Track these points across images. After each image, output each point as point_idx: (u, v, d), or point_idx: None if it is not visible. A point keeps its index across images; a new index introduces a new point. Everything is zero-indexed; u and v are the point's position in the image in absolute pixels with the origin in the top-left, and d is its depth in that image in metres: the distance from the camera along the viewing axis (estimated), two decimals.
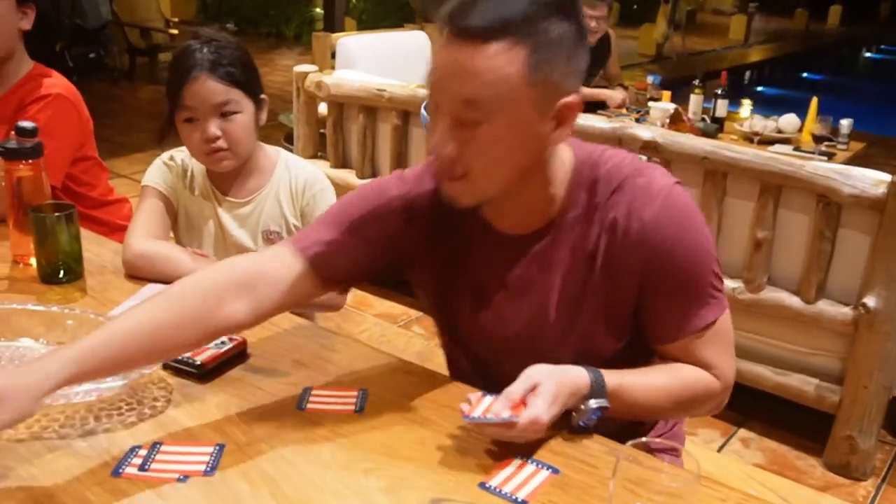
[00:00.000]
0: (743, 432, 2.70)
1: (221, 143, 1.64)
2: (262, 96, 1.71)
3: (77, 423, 1.15)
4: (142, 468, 1.05)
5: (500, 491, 1.03)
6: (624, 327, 1.22)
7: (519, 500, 1.02)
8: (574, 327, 1.22)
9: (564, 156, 1.19)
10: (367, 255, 1.26)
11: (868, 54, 16.27)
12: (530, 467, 1.08)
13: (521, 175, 1.13)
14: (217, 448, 1.10)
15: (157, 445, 1.10)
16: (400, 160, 3.29)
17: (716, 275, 1.20)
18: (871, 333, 2.37)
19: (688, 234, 1.16)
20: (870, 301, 2.34)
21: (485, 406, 1.08)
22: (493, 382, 1.13)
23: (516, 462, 1.09)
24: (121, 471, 1.05)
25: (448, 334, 1.38)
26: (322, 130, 3.62)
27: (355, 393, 1.25)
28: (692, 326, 1.19)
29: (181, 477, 1.04)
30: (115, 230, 2.16)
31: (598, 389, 1.12)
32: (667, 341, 1.21)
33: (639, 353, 1.26)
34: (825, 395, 2.50)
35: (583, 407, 1.12)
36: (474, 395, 1.11)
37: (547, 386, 1.07)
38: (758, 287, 2.53)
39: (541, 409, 1.05)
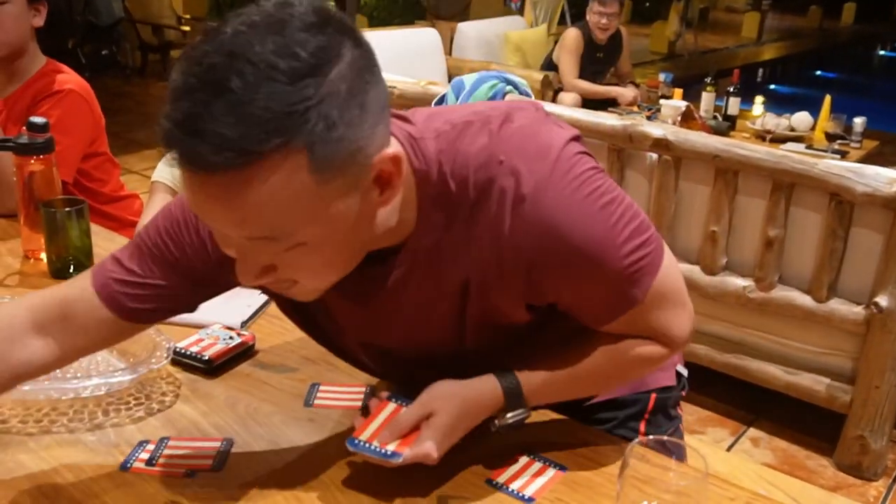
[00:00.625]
0: (753, 431, 2.68)
1: None
2: None
3: (86, 418, 1.15)
4: (149, 462, 1.05)
5: (508, 488, 1.03)
6: (527, 309, 1.02)
7: (526, 497, 1.02)
8: (468, 346, 1.04)
9: (407, 193, 0.92)
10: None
11: (882, 52, 16.16)
12: (537, 464, 1.08)
13: (361, 247, 0.91)
14: (225, 443, 1.10)
15: (165, 440, 1.10)
16: None
17: (630, 247, 0.94)
18: (884, 333, 2.35)
19: (574, 232, 0.91)
20: (882, 300, 2.33)
21: (382, 419, 1.01)
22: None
23: (524, 459, 1.09)
24: (129, 465, 1.05)
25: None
26: None
27: (363, 389, 1.25)
28: (624, 308, 0.98)
29: (189, 471, 1.04)
30: (126, 225, 2.17)
31: (513, 400, 1.01)
32: (604, 324, 1.02)
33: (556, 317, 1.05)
34: (836, 394, 2.49)
35: (497, 422, 1.03)
36: (376, 400, 1.04)
37: (442, 418, 0.98)
38: (769, 286, 2.52)
39: (430, 447, 0.97)
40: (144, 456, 1.07)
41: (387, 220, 0.89)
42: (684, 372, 1.32)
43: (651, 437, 0.86)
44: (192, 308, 1.12)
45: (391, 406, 1.03)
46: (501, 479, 1.05)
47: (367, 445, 0.99)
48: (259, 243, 0.82)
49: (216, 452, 1.08)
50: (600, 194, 0.92)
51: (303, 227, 0.81)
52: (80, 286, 1.06)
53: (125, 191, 2.31)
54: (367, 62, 0.82)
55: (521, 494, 1.02)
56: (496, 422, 1.03)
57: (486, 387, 1.01)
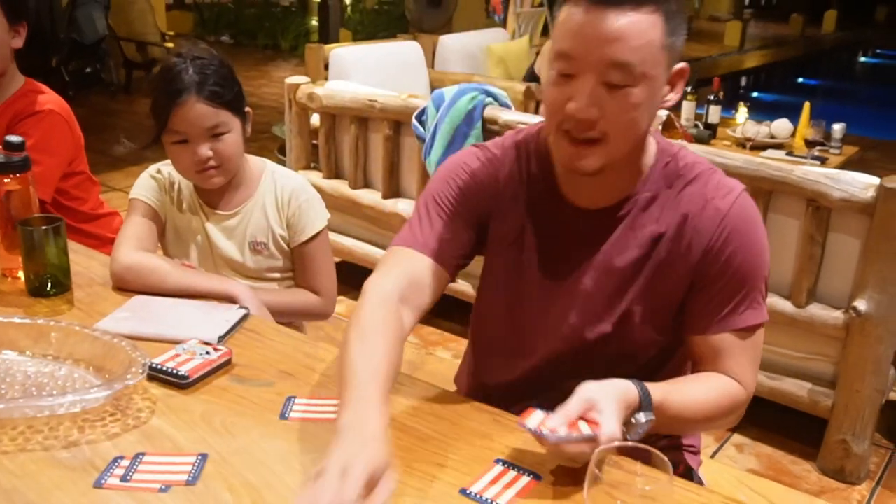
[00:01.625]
0: (737, 437, 2.70)
1: (212, 163, 1.64)
2: (247, 109, 1.72)
3: (61, 435, 1.15)
4: (124, 479, 1.05)
5: (481, 497, 1.04)
6: (666, 320, 1.27)
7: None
8: (620, 305, 1.27)
9: (651, 139, 1.26)
10: (471, 234, 1.34)
11: (864, 59, 16.31)
12: (512, 473, 1.08)
13: (641, 140, 1.21)
14: (200, 458, 1.10)
15: (140, 456, 1.10)
16: (392, 170, 3.30)
17: (765, 284, 1.26)
18: (863, 337, 2.37)
19: (754, 234, 1.23)
20: (861, 305, 2.35)
21: (538, 420, 1.05)
22: (524, 364, 1.28)
23: (498, 468, 1.09)
24: (103, 482, 1.05)
25: (498, 315, 1.39)
26: (314, 141, 3.63)
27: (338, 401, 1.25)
28: (734, 323, 1.23)
29: (163, 487, 1.04)
30: (106, 243, 2.17)
31: (645, 402, 1.11)
32: (706, 332, 1.24)
33: (674, 360, 1.30)
34: (818, 399, 2.50)
35: (633, 421, 1.10)
36: (529, 424, 1.04)
37: (608, 403, 1.05)
38: None
39: (614, 426, 1.01)
40: (119, 472, 1.07)
41: (650, 134, 1.23)
42: None
43: (616, 442, 0.86)
44: (479, 250, 1.37)
45: (538, 412, 1.06)
46: (475, 488, 1.05)
47: (565, 435, 1.00)
48: (604, 90, 1.12)
49: (191, 467, 1.08)
50: (764, 228, 1.27)
51: (644, 75, 1.11)
52: (406, 253, 1.30)
53: (105, 208, 2.31)
54: (682, 10, 1.18)
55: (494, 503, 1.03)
56: (632, 421, 1.09)
57: (625, 384, 1.11)
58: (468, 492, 1.05)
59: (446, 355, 3.14)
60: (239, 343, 1.42)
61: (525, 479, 1.07)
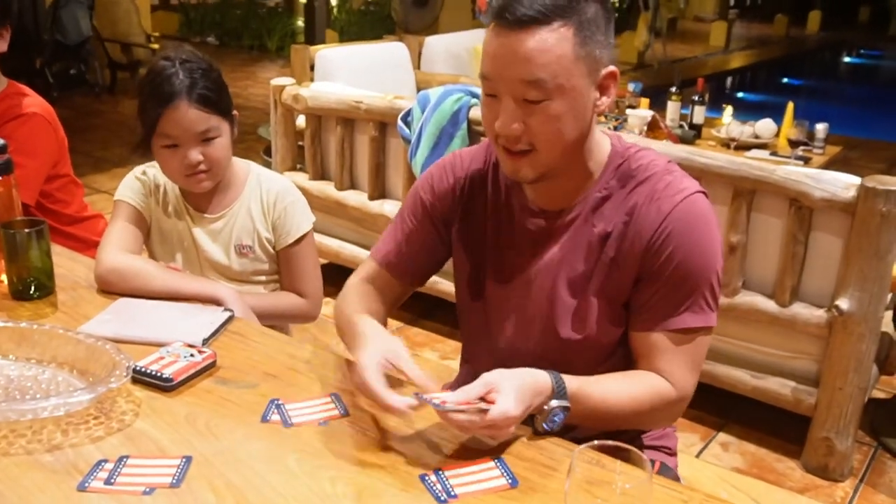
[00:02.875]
0: (722, 436, 2.71)
1: (202, 167, 1.64)
2: (234, 112, 1.72)
3: (44, 439, 1.15)
4: (108, 482, 1.06)
5: (445, 478, 1.07)
6: (620, 314, 1.29)
7: (452, 493, 1.04)
8: (580, 303, 1.30)
9: (603, 143, 1.31)
10: (434, 248, 1.44)
11: (848, 59, 16.42)
12: (493, 472, 1.09)
13: (574, 146, 1.24)
14: (184, 460, 1.10)
15: (124, 459, 1.10)
16: (378, 171, 3.30)
17: (711, 290, 1.25)
18: (846, 335, 2.39)
19: (699, 235, 1.24)
20: (843, 303, 2.36)
21: (440, 400, 1.09)
22: (502, 356, 1.30)
23: (483, 465, 1.10)
24: (87, 485, 1.05)
25: (471, 310, 1.44)
26: (300, 142, 3.63)
27: (323, 401, 1.26)
28: (671, 323, 1.24)
29: (147, 490, 1.04)
30: (91, 246, 2.16)
31: (559, 391, 1.15)
32: (642, 328, 1.26)
33: (620, 355, 1.31)
34: (802, 397, 2.52)
35: (546, 408, 1.14)
36: (426, 395, 1.12)
37: (508, 384, 1.10)
38: (733, 291, 2.56)
39: (509, 404, 1.06)
40: (103, 475, 1.07)
41: (594, 138, 1.28)
42: None
43: (596, 441, 0.87)
44: (444, 261, 1.48)
45: (442, 394, 1.11)
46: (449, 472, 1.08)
47: (456, 405, 1.06)
48: (523, 106, 1.17)
49: (175, 469, 1.08)
50: (717, 233, 1.28)
51: (558, 88, 1.16)
52: (369, 265, 1.47)
53: (89, 211, 2.31)
54: (609, 15, 1.21)
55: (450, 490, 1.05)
56: (544, 408, 1.14)
57: (536, 373, 1.15)
58: (440, 473, 1.08)
59: (433, 356, 3.15)
60: (223, 345, 1.42)
61: (502, 482, 1.08)
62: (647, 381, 1.23)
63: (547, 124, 1.18)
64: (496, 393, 1.08)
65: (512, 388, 1.09)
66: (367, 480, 1.08)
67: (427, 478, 1.08)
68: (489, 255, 1.39)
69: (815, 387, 2.51)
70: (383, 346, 1.22)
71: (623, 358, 1.31)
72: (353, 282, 1.48)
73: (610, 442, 0.87)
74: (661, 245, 1.23)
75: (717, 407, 2.77)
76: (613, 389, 1.21)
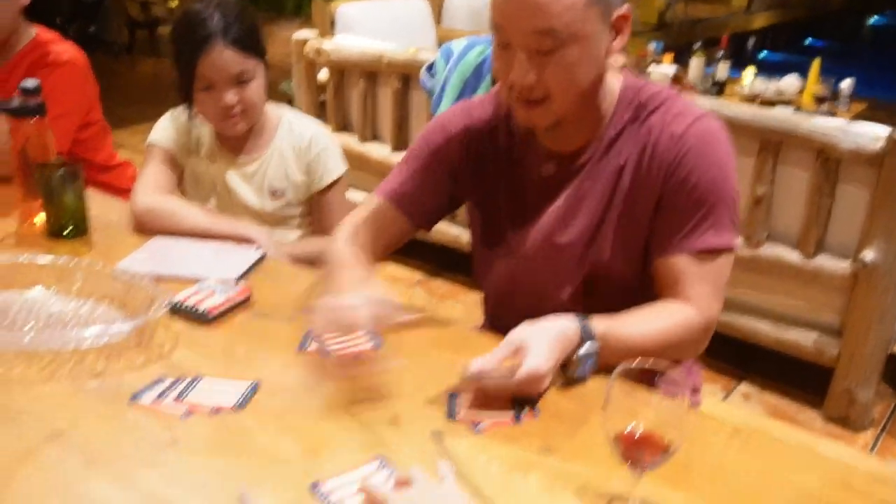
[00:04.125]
0: (743, 387, 2.73)
1: (237, 109, 1.65)
2: (266, 56, 1.72)
3: (87, 366, 1.18)
4: (156, 399, 1.09)
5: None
6: (638, 250, 1.29)
7: (477, 425, 1.07)
8: (595, 240, 1.30)
9: (615, 81, 1.30)
10: (441, 191, 1.42)
11: (872, 20, 16.13)
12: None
13: (589, 91, 1.23)
14: (252, 385, 1.14)
15: (198, 379, 1.14)
16: (401, 124, 3.30)
17: (731, 209, 1.25)
18: (870, 287, 2.39)
19: (714, 154, 1.24)
20: (868, 255, 2.36)
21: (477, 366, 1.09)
22: (523, 303, 1.28)
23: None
24: (135, 401, 1.09)
25: (490, 255, 1.44)
26: (322, 97, 3.63)
27: (356, 335, 1.28)
28: (693, 244, 1.23)
29: (187, 411, 1.07)
30: (120, 193, 2.18)
31: (587, 335, 1.14)
32: (665, 253, 1.25)
33: (645, 292, 1.30)
34: (824, 349, 2.53)
35: (576, 357, 1.13)
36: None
37: (536, 341, 1.09)
38: (757, 243, 2.55)
39: (537, 361, 1.06)
40: (155, 392, 1.11)
41: (606, 78, 1.26)
42: None
43: (634, 363, 0.88)
44: (452, 207, 1.46)
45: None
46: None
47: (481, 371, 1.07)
48: (536, 56, 1.15)
49: (240, 393, 1.12)
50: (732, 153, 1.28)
51: (571, 36, 1.14)
52: (373, 200, 1.43)
53: (118, 159, 2.33)
54: None
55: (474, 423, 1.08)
56: (574, 358, 1.13)
57: (562, 321, 1.14)
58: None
59: (456, 307, 3.17)
60: (257, 282, 1.44)
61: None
62: (672, 312, 1.23)
63: (561, 73, 1.17)
64: (523, 351, 1.08)
65: (539, 344, 1.08)
66: (404, 408, 1.11)
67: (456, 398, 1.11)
68: (504, 201, 1.38)
69: (838, 338, 2.51)
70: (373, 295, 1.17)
71: (643, 294, 1.30)
72: (352, 218, 1.44)
73: (648, 364, 0.88)
74: (679, 166, 1.23)
75: (738, 358, 2.79)
76: (640, 325, 1.21)
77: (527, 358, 1.07)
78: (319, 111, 3.65)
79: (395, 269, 3.37)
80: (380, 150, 3.37)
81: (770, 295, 2.61)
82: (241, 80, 1.63)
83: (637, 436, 0.85)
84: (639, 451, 0.84)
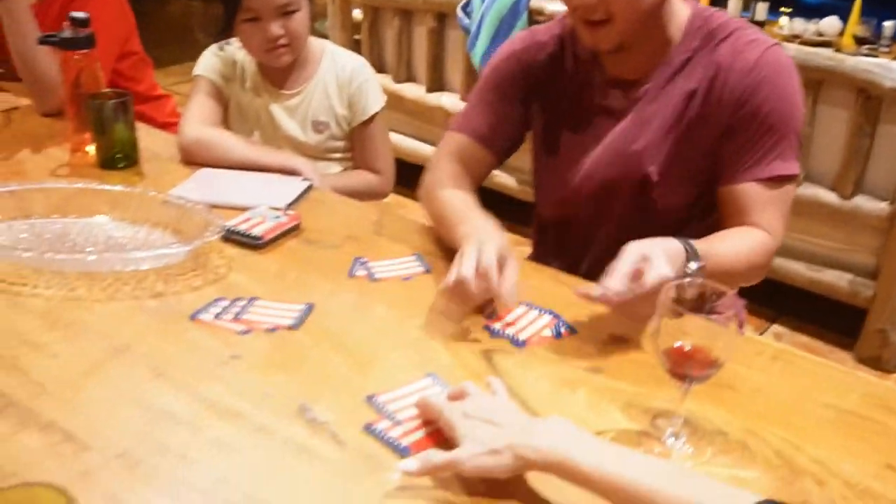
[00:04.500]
0: (776, 327, 2.75)
1: (282, 41, 1.66)
2: None
3: (147, 287, 1.23)
4: (215, 318, 1.14)
5: (505, 332, 1.13)
6: (703, 170, 1.31)
7: (519, 340, 1.11)
8: (658, 161, 1.32)
9: (682, 8, 1.32)
10: (516, 119, 1.45)
11: None
12: (533, 313, 1.17)
13: (651, 13, 1.25)
14: (307, 306, 1.18)
15: (253, 299, 1.19)
16: (436, 63, 3.29)
17: (797, 138, 1.27)
18: None
19: (785, 83, 1.26)
20: None
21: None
22: (583, 228, 1.33)
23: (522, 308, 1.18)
24: (195, 318, 1.14)
25: (551, 178, 1.48)
26: (356, 36, 3.62)
27: (405, 259, 1.31)
28: (764, 171, 1.26)
29: (246, 329, 1.12)
30: (162, 126, 2.22)
31: (692, 253, 1.13)
32: (734, 181, 1.28)
33: (706, 215, 1.34)
34: (859, 289, 2.53)
35: (687, 270, 1.11)
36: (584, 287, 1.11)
37: (655, 252, 1.06)
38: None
39: (664, 268, 1.03)
40: (214, 311, 1.16)
41: (672, 4, 1.28)
42: None
43: (687, 278, 0.91)
44: (525, 134, 1.49)
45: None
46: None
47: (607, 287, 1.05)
48: None
49: (296, 314, 1.16)
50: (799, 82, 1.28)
51: None
52: (455, 138, 1.46)
53: (159, 90, 2.35)
54: None
55: (515, 339, 1.12)
56: (686, 271, 1.11)
57: (669, 240, 1.12)
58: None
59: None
60: (305, 210, 1.47)
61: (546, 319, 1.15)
62: (752, 236, 1.26)
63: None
64: (647, 262, 1.05)
65: (660, 255, 1.06)
66: (452, 328, 1.14)
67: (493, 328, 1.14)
68: (569, 125, 1.41)
69: (873, 279, 2.52)
70: (501, 242, 1.16)
71: (703, 226, 1.32)
72: (440, 161, 1.46)
73: (702, 279, 0.90)
74: (751, 94, 1.24)
75: (771, 299, 2.80)
76: (731, 246, 1.23)
77: (652, 266, 1.03)
78: (354, 50, 3.64)
79: None
80: (415, 91, 3.37)
81: (805, 236, 2.61)
82: (286, 12, 1.64)
83: (686, 349, 0.88)
84: (687, 364, 0.87)
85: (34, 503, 0.62)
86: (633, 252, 1.06)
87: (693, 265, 1.12)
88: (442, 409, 0.89)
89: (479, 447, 0.82)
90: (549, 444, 0.79)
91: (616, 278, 1.02)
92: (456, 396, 0.92)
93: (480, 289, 1.10)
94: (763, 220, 1.27)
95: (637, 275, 1.03)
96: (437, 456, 0.84)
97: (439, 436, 0.91)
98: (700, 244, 1.16)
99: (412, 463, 0.84)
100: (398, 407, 0.96)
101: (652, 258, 1.05)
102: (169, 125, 2.26)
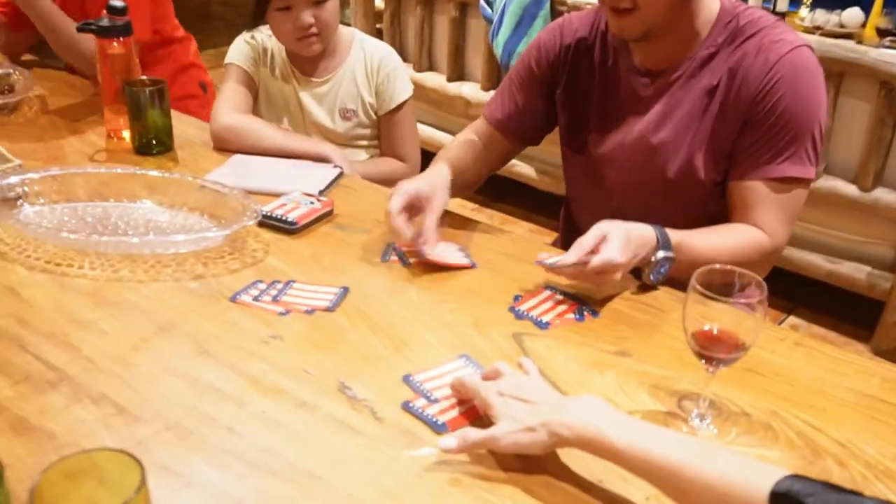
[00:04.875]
0: (792, 319, 2.77)
1: (313, 30, 1.70)
2: None
3: (188, 269, 1.27)
4: (255, 299, 1.18)
5: (529, 315, 1.18)
6: (723, 162, 1.34)
7: (543, 321, 1.16)
8: (686, 153, 1.35)
9: (712, 2, 1.33)
10: (541, 107, 1.52)
11: None
12: (558, 296, 1.22)
13: (678, 4, 1.28)
14: (342, 289, 1.22)
15: (291, 282, 1.23)
16: (457, 52, 3.32)
17: (813, 142, 1.28)
18: None
19: (804, 84, 1.27)
20: None
21: (558, 257, 1.17)
22: (607, 212, 1.32)
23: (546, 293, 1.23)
24: (235, 300, 1.18)
25: (577, 164, 1.53)
26: (378, 25, 3.65)
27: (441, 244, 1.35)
28: (771, 171, 1.28)
29: (284, 310, 1.16)
30: (186, 67, 2.27)
31: (663, 242, 1.20)
32: (743, 177, 1.30)
33: (707, 216, 1.36)
34: (877, 282, 2.55)
35: (652, 259, 1.20)
36: (546, 253, 1.22)
37: (616, 233, 1.15)
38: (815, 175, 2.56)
39: (613, 252, 1.12)
40: (253, 293, 1.20)
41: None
42: None
43: (717, 265, 0.94)
44: (551, 125, 1.56)
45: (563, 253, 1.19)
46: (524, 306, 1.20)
47: (555, 261, 1.16)
48: None
49: (332, 296, 1.20)
50: (823, 87, 1.30)
51: None
52: (478, 123, 1.57)
53: (181, 31, 2.36)
54: None
55: (540, 320, 1.16)
56: (651, 259, 1.19)
57: (643, 226, 1.20)
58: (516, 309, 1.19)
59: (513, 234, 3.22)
60: (337, 196, 1.51)
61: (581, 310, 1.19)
62: (744, 233, 1.29)
63: None
64: (604, 242, 1.14)
65: (618, 237, 1.14)
66: (484, 313, 1.18)
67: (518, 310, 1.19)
68: (595, 114, 1.45)
69: (891, 272, 2.53)
70: (425, 186, 1.32)
71: (719, 213, 1.36)
72: (460, 134, 1.58)
73: (729, 267, 0.93)
74: (768, 92, 1.26)
75: (788, 291, 2.82)
76: (713, 240, 1.27)
77: (605, 248, 1.13)
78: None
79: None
80: (436, 80, 3.40)
81: (824, 228, 2.63)
82: (317, 1, 1.67)
83: (714, 332, 0.91)
84: (715, 346, 0.90)
85: (102, 467, 0.66)
86: (597, 230, 1.15)
87: (660, 254, 1.18)
88: (479, 388, 0.93)
89: (514, 424, 0.86)
90: (582, 422, 0.83)
91: (571, 253, 1.14)
92: (490, 376, 0.96)
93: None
94: (764, 219, 1.29)
95: (595, 252, 1.13)
96: (474, 433, 0.88)
97: (474, 413, 0.95)
98: (677, 235, 1.21)
99: (451, 440, 0.88)
100: (434, 386, 1.00)
101: (609, 239, 1.13)
102: (192, 66, 2.35)
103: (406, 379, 1.02)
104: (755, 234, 1.29)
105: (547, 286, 1.24)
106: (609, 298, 1.22)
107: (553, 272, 1.18)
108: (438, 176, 1.37)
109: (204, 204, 1.43)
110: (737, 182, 1.32)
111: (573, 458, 0.88)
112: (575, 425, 0.83)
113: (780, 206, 1.29)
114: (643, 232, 1.19)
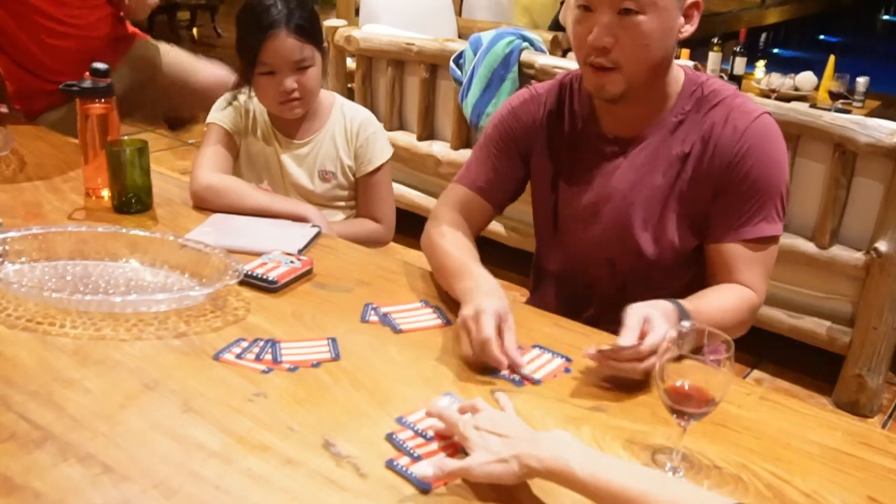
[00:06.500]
0: (756, 373, 2.83)
1: (296, 95, 1.75)
2: (324, 44, 1.82)
3: (170, 327, 1.29)
4: (238, 357, 1.21)
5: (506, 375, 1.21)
6: (697, 226, 1.39)
7: (517, 379, 1.20)
8: (659, 218, 1.41)
9: (678, 72, 1.41)
10: (516, 174, 1.55)
11: (886, 16, 16.13)
12: (547, 356, 1.25)
13: (657, 68, 1.34)
14: (331, 340, 1.26)
15: (276, 343, 1.25)
16: (427, 112, 3.39)
17: (782, 201, 1.37)
18: (883, 276, 2.48)
19: (772, 151, 1.35)
20: (882, 246, 2.46)
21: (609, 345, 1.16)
22: (581, 280, 1.39)
23: (536, 351, 1.27)
24: (219, 357, 1.21)
25: (547, 225, 1.56)
26: (350, 84, 3.73)
27: (414, 305, 1.39)
28: (749, 232, 1.35)
29: (268, 368, 1.18)
30: None
31: (683, 314, 1.22)
32: (721, 240, 1.37)
33: (678, 277, 1.41)
34: (837, 336, 2.63)
35: (681, 330, 1.20)
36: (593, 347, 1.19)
37: (656, 315, 1.15)
38: None
39: (664, 328, 1.12)
40: (236, 350, 1.22)
41: (672, 66, 1.37)
42: None
43: (686, 324, 0.99)
44: (522, 187, 1.59)
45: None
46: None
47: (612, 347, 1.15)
48: (618, 20, 1.28)
49: (324, 349, 1.24)
50: (785, 150, 1.39)
51: (654, 5, 1.26)
52: (458, 189, 1.56)
53: None
54: None
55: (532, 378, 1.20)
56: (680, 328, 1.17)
57: (664, 302, 1.21)
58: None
59: None
60: (316, 255, 1.55)
61: (558, 361, 1.24)
62: (738, 292, 1.35)
63: (636, 40, 1.29)
64: (648, 323, 1.14)
65: (659, 317, 1.15)
66: (463, 370, 1.21)
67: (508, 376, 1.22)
68: (566, 182, 1.50)
69: (850, 326, 2.61)
70: (500, 304, 1.23)
71: (696, 276, 1.42)
72: (442, 211, 1.54)
73: (704, 327, 0.98)
74: (740, 160, 1.34)
75: (751, 345, 2.86)
76: (716, 303, 1.31)
77: (655, 328, 1.13)
78: (347, 98, 3.74)
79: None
80: (406, 138, 3.47)
81: (785, 284, 2.71)
82: (300, 67, 1.73)
83: (685, 388, 0.96)
84: (687, 401, 0.95)
85: None
86: (637, 314, 1.15)
87: (686, 324, 1.20)
88: (457, 422, 0.98)
89: (488, 456, 0.92)
90: (551, 454, 0.88)
91: (627, 337, 1.12)
92: (467, 410, 1.01)
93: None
94: (748, 278, 1.36)
95: (641, 335, 1.13)
96: (450, 463, 0.93)
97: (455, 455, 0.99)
98: (689, 303, 1.24)
99: (427, 469, 0.93)
100: (424, 426, 1.05)
101: (653, 319, 1.14)
102: None
103: (389, 437, 1.05)
104: (746, 293, 1.35)
105: (535, 345, 1.28)
106: (579, 354, 1.26)
107: (606, 359, 1.16)
108: (497, 286, 1.29)
109: (185, 262, 1.45)
110: (715, 245, 1.38)
111: (542, 489, 0.93)
112: (544, 458, 0.88)
113: (760, 264, 1.36)
114: (667, 306, 1.20)
